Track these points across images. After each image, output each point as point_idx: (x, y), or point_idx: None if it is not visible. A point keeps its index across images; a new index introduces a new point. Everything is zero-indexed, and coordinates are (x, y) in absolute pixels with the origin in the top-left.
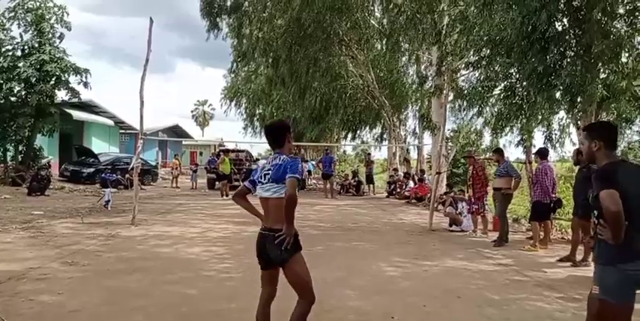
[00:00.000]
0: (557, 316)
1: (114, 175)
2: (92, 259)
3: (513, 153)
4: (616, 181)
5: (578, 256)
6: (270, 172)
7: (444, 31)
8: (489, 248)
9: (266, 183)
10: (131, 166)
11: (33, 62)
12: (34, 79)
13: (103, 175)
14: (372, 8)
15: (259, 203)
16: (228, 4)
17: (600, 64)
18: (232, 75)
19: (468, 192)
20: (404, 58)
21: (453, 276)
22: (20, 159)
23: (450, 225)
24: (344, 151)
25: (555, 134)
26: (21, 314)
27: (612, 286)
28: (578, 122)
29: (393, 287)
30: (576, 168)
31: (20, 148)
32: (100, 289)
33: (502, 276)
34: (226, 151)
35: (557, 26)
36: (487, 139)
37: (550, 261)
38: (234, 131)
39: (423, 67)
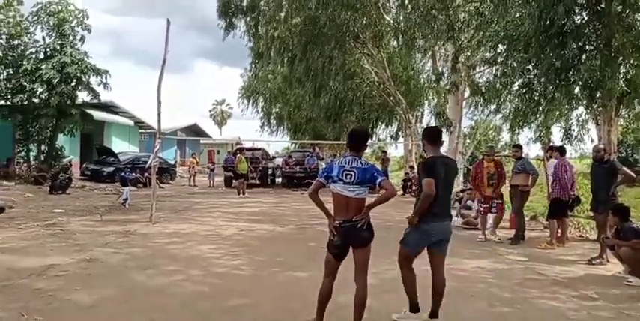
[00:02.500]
0: (571, 315)
1: (133, 173)
2: (110, 256)
3: (533, 150)
4: (434, 171)
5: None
6: (353, 173)
7: (458, 28)
8: (505, 246)
9: (350, 184)
10: (148, 164)
11: (55, 64)
12: (56, 80)
13: (122, 173)
14: (388, 4)
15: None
16: (245, 4)
17: (620, 58)
18: (250, 74)
19: (485, 192)
20: (419, 55)
21: (466, 274)
22: (43, 158)
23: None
24: None
25: (573, 131)
26: (40, 310)
27: (411, 240)
28: (598, 118)
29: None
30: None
31: (43, 147)
32: (117, 286)
33: (517, 274)
34: (242, 150)
35: (575, 20)
36: (506, 136)
37: (567, 259)
38: (251, 130)
39: (439, 63)
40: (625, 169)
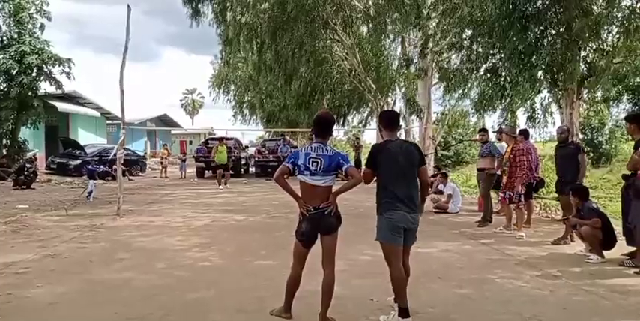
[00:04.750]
0: (534, 294)
1: (101, 166)
2: (74, 251)
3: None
4: (375, 157)
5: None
6: (319, 161)
7: (426, 13)
8: (473, 229)
9: (317, 174)
10: (111, 156)
11: (13, 54)
12: (15, 71)
13: (89, 166)
14: None
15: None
16: None
17: (580, 42)
18: (220, 61)
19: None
20: (389, 41)
21: (434, 257)
22: (5, 152)
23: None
24: (334, 137)
25: (538, 114)
26: None
27: (381, 229)
28: (560, 101)
29: (373, 271)
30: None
31: (4, 141)
32: (80, 281)
33: (483, 256)
34: (222, 140)
35: (537, 4)
36: (474, 120)
37: (532, 240)
38: (224, 119)
39: (408, 49)
40: (583, 156)
